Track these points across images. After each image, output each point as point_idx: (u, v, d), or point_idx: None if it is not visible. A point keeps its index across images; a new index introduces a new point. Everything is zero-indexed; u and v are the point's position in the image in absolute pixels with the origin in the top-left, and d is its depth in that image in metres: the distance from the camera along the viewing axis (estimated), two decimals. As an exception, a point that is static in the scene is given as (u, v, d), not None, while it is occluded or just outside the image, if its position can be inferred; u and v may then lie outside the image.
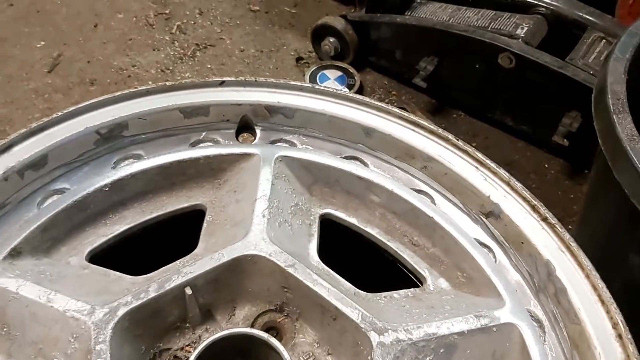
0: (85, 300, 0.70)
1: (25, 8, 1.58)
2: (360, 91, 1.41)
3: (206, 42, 1.54)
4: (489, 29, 1.23)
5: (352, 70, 1.43)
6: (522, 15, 1.24)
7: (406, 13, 1.36)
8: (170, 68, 1.46)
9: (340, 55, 1.45)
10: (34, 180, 0.79)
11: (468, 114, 1.35)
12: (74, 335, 0.68)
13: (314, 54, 1.52)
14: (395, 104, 1.38)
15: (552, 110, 1.18)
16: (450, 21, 1.28)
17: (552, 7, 1.24)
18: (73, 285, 0.73)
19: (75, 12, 1.57)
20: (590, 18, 1.22)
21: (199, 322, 0.75)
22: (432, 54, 1.29)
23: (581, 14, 1.23)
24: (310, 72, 1.44)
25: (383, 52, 1.40)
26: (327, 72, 1.44)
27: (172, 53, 1.50)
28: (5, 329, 0.71)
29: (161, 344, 0.73)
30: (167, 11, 1.60)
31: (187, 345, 0.74)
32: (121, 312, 0.68)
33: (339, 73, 1.43)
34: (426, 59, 1.29)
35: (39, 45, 1.49)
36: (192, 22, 1.58)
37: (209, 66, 1.49)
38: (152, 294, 0.71)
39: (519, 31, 1.20)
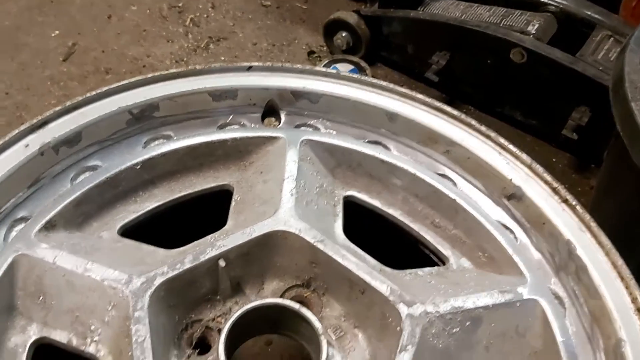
0: (122, 270, 0.72)
1: None
2: (371, 85, 1.44)
3: (219, 35, 1.56)
4: (501, 25, 1.26)
5: (363, 64, 1.46)
6: (532, 12, 1.28)
7: (419, 9, 1.39)
8: (185, 59, 1.48)
9: (352, 49, 1.48)
10: (68, 156, 0.82)
11: (478, 109, 1.38)
12: (112, 304, 0.70)
13: (325, 48, 1.55)
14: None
15: (561, 105, 1.21)
16: (463, 17, 1.31)
17: (561, 6, 1.28)
18: (108, 256, 0.75)
19: (88, 3, 1.59)
20: (599, 17, 1.25)
21: (229, 295, 0.78)
22: (445, 49, 1.32)
23: (589, 13, 1.27)
24: (322, 66, 1.47)
25: (395, 46, 1.43)
26: (338, 65, 1.46)
27: (185, 45, 1.52)
28: (41, 298, 0.73)
29: (193, 315, 0.76)
30: (180, 4, 1.62)
31: (218, 317, 0.77)
32: (158, 281, 0.71)
33: (351, 67, 1.46)
34: (439, 54, 1.33)
35: (53, 35, 1.51)
36: (205, 16, 1.61)
37: (223, 58, 1.51)
38: (187, 265, 0.73)
39: (530, 28, 1.24)
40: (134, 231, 0.84)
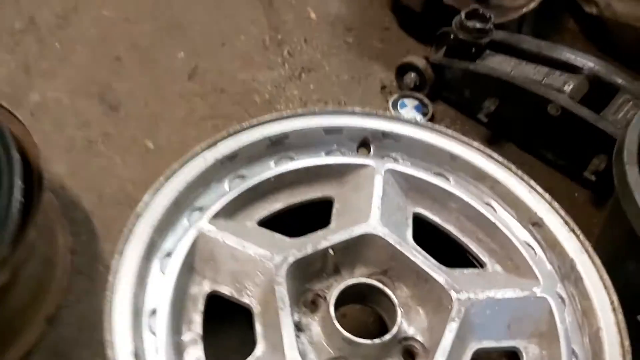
0: (266, 249, 1.02)
1: (165, 22, 1.92)
2: (432, 118, 1.74)
3: (309, 66, 1.86)
4: (542, 82, 1.53)
5: (427, 101, 1.75)
6: (569, 74, 1.54)
7: (477, 61, 1.69)
8: (283, 86, 1.78)
9: (418, 87, 1.76)
10: (228, 167, 1.13)
11: (518, 146, 1.66)
12: (261, 271, 1.00)
13: (395, 83, 1.85)
14: (459, 132, 1.70)
15: (585, 152, 1.46)
16: (512, 72, 1.58)
17: (593, 71, 1.54)
18: (255, 239, 1.05)
19: (207, 30, 1.91)
20: (623, 82, 1.50)
21: (331, 274, 1.06)
22: (495, 97, 1.60)
23: (615, 78, 1.53)
24: (392, 99, 1.76)
25: (454, 89, 1.70)
26: (406, 100, 1.76)
27: (283, 73, 1.83)
28: (212, 263, 1.02)
29: (308, 285, 1.04)
30: (279, 37, 1.94)
31: (324, 288, 1.06)
32: (291, 259, 0.99)
33: (416, 102, 1.75)
34: (489, 100, 1.61)
35: (179, 56, 1.84)
36: (299, 48, 1.91)
37: (312, 87, 1.81)
38: (309, 250, 1.01)
39: (566, 87, 1.50)
40: (267, 223, 1.16)
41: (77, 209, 1.39)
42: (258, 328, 0.97)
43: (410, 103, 1.76)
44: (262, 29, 1.94)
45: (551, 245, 1.08)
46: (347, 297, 1.04)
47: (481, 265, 1.12)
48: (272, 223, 1.16)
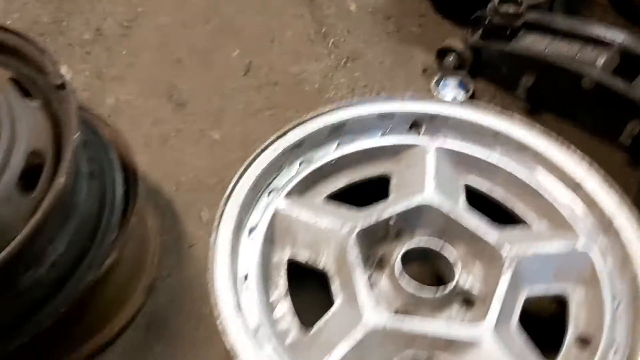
0: (337, 220, 1.17)
1: (218, 24, 2.07)
2: (473, 95, 1.85)
3: (354, 55, 1.97)
4: (576, 58, 1.64)
5: (467, 79, 1.86)
6: (601, 48, 1.59)
7: (512, 41, 1.78)
8: (330, 75, 1.91)
9: (458, 67, 1.88)
10: (296, 153, 1.27)
11: (557, 115, 1.77)
12: (332, 239, 1.13)
13: (435, 65, 1.96)
14: (499, 106, 1.80)
15: (619, 119, 1.57)
16: (546, 50, 1.67)
17: (623, 44, 1.62)
18: (323, 213, 1.21)
19: (256, 29, 2.05)
20: None
21: (393, 239, 1.19)
22: (531, 73, 1.70)
23: None
24: (435, 79, 1.88)
25: (492, 68, 1.76)
26: (448, 80, 1.86)
27: (329, 63, 1.95)
28: (289, 235, 1.17)
29: (373, 249, 1.18)
30: (323, 30, 2.06)
31: (390, 250, 1.18)
32: (358, 228, 1.12)
33: (457, 81, 1.85)
34: (526, 76, 1.70)
35: (234, 54, 1.98)
36: (342, 39, 2.03)
37: (357, 74, 1.93)
38: (373, 220, 1.15)
39: (598, 61, 1.59)
40: (332, 198, 1.29)
41: (159, 195, 1.56)
42: (335, 286, 1.12)
43: (452, 82, 1.87)
44: (306, 23, 2.07)
45: (591, 203, 1.18)
46: (409, 257, 1.17)
47: (528, 224, 1.24)
48: (338, 198, 1.30)
